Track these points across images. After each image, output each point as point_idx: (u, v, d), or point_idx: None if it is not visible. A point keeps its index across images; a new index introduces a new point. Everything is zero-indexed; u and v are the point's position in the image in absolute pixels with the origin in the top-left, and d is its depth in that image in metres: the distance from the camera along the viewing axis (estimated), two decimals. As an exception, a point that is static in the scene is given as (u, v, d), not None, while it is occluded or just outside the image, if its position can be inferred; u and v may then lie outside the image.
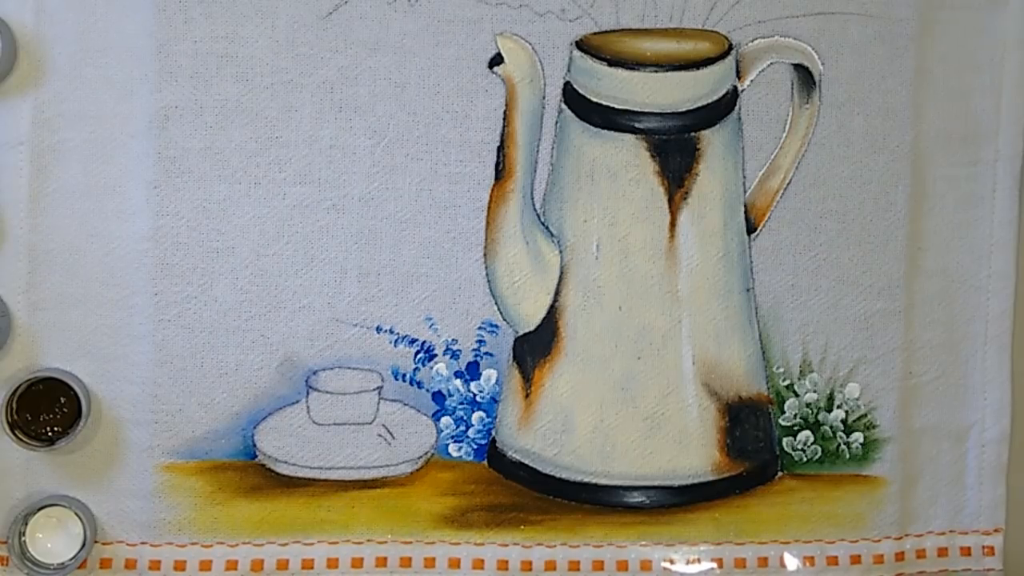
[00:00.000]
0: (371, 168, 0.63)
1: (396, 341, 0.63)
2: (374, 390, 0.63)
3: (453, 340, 0.64)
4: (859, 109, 0.64)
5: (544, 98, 0.63)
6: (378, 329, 0.63)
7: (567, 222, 0.63)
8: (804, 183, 0.64)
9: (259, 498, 0.63)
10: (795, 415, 0.65)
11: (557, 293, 0.63)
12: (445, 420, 0.64)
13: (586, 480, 0.64)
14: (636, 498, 0.64)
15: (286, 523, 0.63)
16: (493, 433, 0.64)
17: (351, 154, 0.62)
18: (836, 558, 0.65)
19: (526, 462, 0.64)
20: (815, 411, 0.65)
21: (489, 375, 0.64)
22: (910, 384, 0.65)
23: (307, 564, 0.63)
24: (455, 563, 0.64)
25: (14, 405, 0.61)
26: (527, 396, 0.64)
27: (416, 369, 0.64)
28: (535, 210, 0.63)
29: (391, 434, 0.64)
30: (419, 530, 0.64)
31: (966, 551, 0.66)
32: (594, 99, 0.62)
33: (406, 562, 0.64)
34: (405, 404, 0.64)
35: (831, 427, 0.65)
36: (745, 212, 0.64)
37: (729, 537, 0.65)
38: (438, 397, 0.64)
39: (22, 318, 0.62)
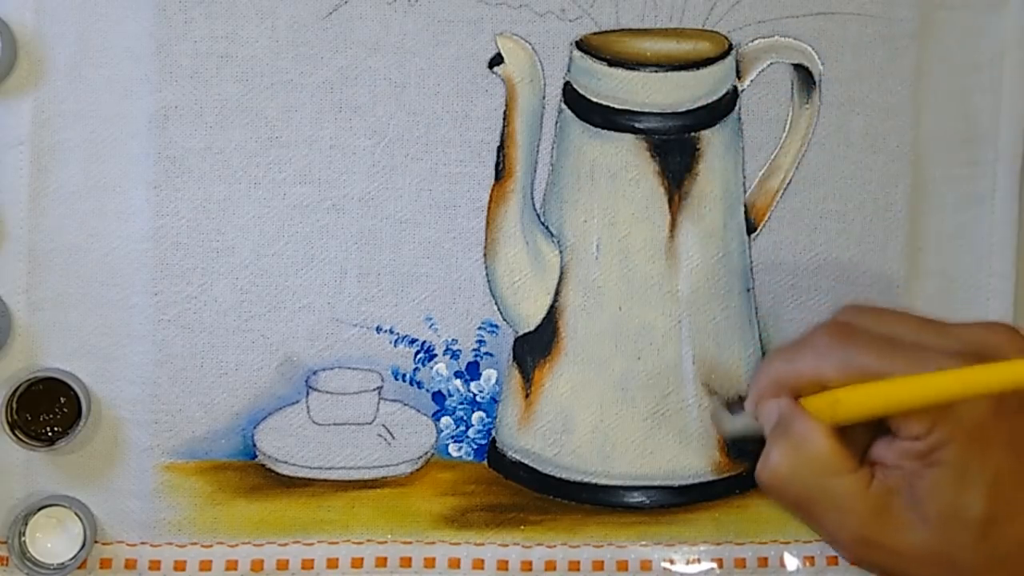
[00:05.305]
0: (371, 168, 0.63)
1: (396, 341, 0.63)
2: (374, 390, 0.63)
3: (453, 340, 0.64)
4: (859, 109, 0.64)
5: (544, 98, 0.63)
6: (378, 329, 0.63)
7: (567, 222, 0.63)
8: (804, 183, 0.64)
9: (259, 498, 0.63)
10: (795, 415, 0.65)
11: (557, 293, 0.63)
12: (445, 420, 0.64)
13: (586, 480, 0.64)
14: (636, 498, 0.64)
15: (286, 523, 0.63)
16: (493, 433, 0.64)
17: (351, 154, 0.62)
18: (836, 558, 0.65)
19: (526, 462, 0.64)
20: (815, 411, 0.65)
21: (489, 375, 0.64)
22: (910, 384, 0.65)
23: (307, 564, 0.63)
24: (455, 563, 0.64)
25: (14, 405, 0.61)
26: (527, 396, 0.64)
27: (416, 369, 0.64)
28: (535, 210, 0.63)
29: (391, 434, 0.64)
30: (419, 530, 0.64)
31: (966, 551, 0.66)
32: (594, 99, 0.62)
33: (406, 562, 0.64)
34: (405, 404, 0.64)
35: (831, 427, 0.65)
36: (745, 212, 0.64)
37: (729, 537, 0.65)
38: (438, 397, 0.64)
39: (22, 318, 0.62)
